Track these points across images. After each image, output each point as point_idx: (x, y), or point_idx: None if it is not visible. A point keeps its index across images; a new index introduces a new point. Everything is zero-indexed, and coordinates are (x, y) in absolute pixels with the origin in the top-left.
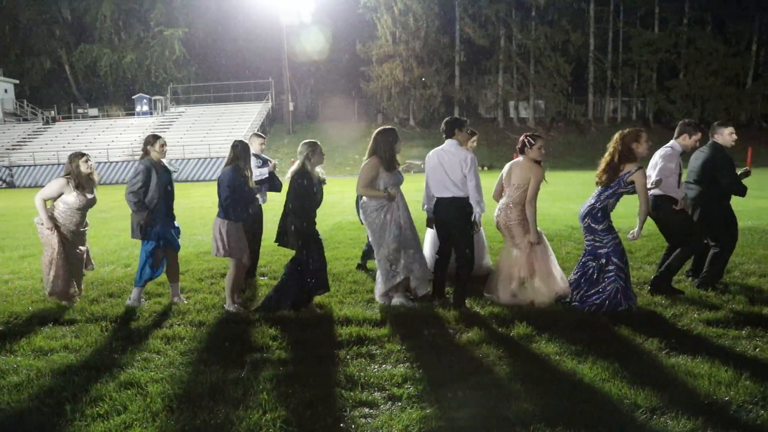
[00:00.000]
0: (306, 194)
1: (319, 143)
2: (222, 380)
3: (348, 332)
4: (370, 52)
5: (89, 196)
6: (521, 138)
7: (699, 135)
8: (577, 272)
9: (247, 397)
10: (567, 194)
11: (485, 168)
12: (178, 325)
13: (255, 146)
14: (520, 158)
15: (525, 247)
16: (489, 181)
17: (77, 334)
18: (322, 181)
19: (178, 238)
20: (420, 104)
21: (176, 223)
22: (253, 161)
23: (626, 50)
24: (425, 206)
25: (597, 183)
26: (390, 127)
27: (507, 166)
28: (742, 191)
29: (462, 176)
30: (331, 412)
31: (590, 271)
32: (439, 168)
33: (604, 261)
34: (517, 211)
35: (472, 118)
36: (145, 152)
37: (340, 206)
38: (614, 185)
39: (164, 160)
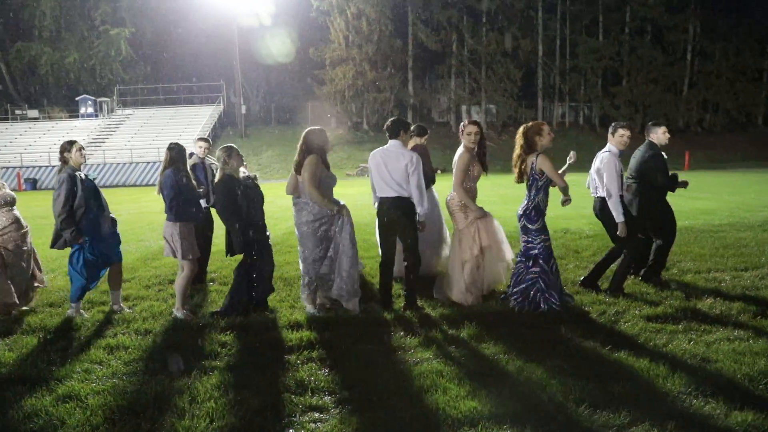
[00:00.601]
0: (230, 200)
1: (234, 146)
2: (168, 389)
3: (299, 337)
4: (323, 55)
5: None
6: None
7: (628, 132)
8: (514, 274)
9: (194, 405)
10: (516, 197)
11: (439, 171)
12: (123, 334)
13: (200, 151)
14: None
15: (468, 228)
16: (444, 185)
17: (11, 347)
18: (253, 179)
19: (118, 246)
20: (373, 108)
21: (116, 230)
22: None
23: (573, 57)
24: (375, 204)
25: (516, 181)
26: (320, 128)
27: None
28: (672, 187)
29: (405, 176)
30: (281, 419)
31: (521, 271)
32: (382, 168)
33: (531, 262)
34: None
35: (426, 122)
36: (64, 161)
37: (291, 212)
38: (531, 180)
39: (83, 168)
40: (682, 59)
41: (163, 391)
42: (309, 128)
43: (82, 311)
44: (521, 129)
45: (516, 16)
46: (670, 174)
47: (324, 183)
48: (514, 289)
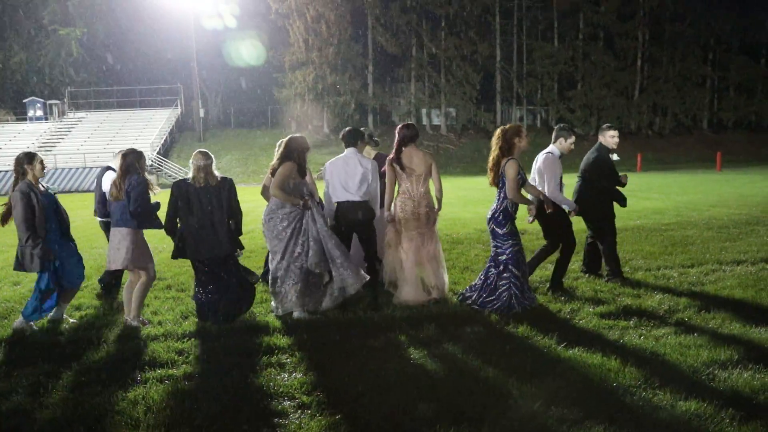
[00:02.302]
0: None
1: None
2: (121, 400)
3: (257, 342)
4: (283, 58)
5: None
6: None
7: (573, 138)
8: (481, 277)
9: (149, 416)
10: (476, 199)
11: None
12: (74, 344)
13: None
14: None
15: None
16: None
17: None
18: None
19: (81, 269)
20: (334, 111)
21: (75, 249)
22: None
23: (530, 62)
24: (328, 211)
25: (490, 184)
26: (301, 135)
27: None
28: (615, 191)
29: (361, 182)
30: (239, 425)
31: (491, 279)
32: (342, 174)
33: (501, 268)
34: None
35: (386, 125)
36: (21, 173)
37: (253, 214)
38: (502, 185)
39: (42, 182)
40: (633, 65)
41: (116, 402)
42: (291, 135)
43: (31, 323)
44: (498, 131)
45: (474, 21)
46: (619, 175)
47: (295, 190)
48: (489, 298)
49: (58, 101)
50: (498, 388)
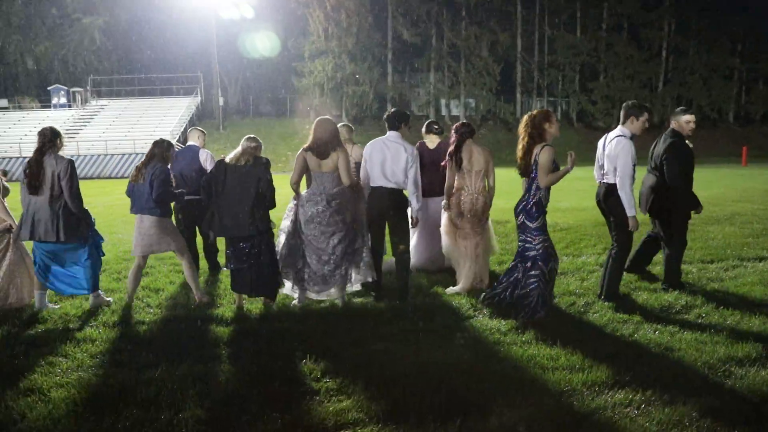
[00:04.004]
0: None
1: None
2: (134, 381)
3: (271, 327)
4: (302, 47)
5: None
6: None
7: (646, 116)
8: (508, 272)
9: (160, 397)
10: (499, 191)
11: None
12: (90, 326)
13: (200, 141)
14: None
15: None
16: None
17: None
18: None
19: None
20: (352, 101)
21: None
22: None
23: (551, 52)
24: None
25: (520, 174)
26: (325, 118)
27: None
28: (680, 187)
29: (404, 170)
30: (247, 410)
31: (518, 275)
32: (381, 158)
33: (529, 264)
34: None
35: None
36: (58, 147)
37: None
38: (535, 175)
39: None
40: (658, 56)
41: (128, 382)
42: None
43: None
44: (526, 117)
45: (495, 10)
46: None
47: (314, 180)
48: (517, 292)
49: (81, 89)
50: (509, 380)
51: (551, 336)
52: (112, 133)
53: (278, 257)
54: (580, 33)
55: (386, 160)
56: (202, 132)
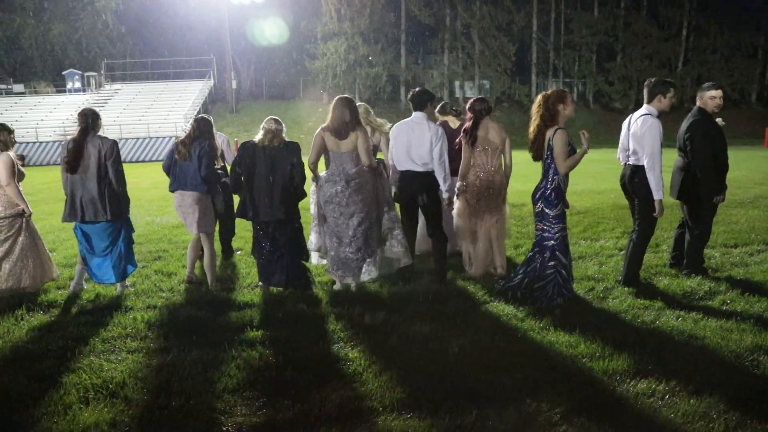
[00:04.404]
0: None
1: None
2: (146, 367)
3: (284, 312)
4: (314, 29)
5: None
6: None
7: (673, 91)
8: (526, 263)
9: (171, 383)
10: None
11: None
12: (102, 310)
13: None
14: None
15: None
16: None
17: None
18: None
19: None
20: (365, 83)
21: None
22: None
23: (567, 32)
24: (394, 178)
25: (532, 158)
26: (344, 95)
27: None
28: (705, 168)
29: (430, 150)
30: (259, 397)
31: (537, 264)
32: (406, 141)
33: (548, 254)
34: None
35: None
36: (97, 126)
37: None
38: (550, 159)
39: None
40: (678, 35)
41: (139, 369)
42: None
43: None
44: (540, 98)
45: None
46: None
47: (334, 161)
48: (536, 285)
49: (95, 73)
50: (526, 368)
51: (570, 322)
52: (126, 117)
53: (316, 245)
54: (597, 12)
55: (411, 142)
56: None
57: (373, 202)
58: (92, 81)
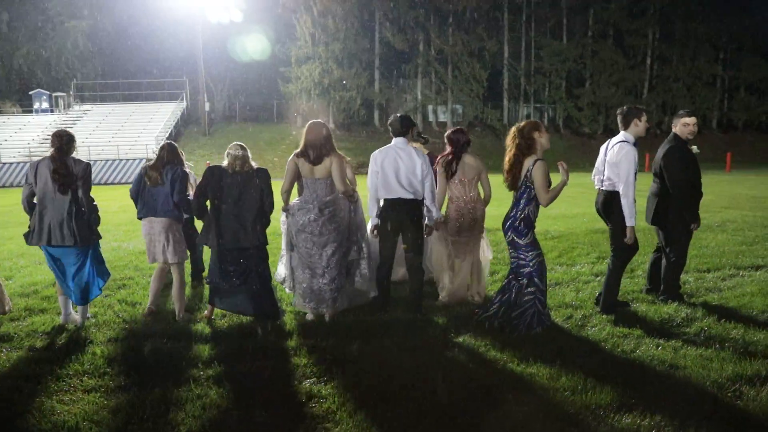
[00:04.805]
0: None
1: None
2: (102, 408)
3: (254, 344)
4: (289, 53)
5: None
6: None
7: (646, 116)
8: (501, 291)
9: (129, 427)
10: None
11: None
12: (58, 345)
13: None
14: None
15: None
16: None
17: None
18: None
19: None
20: (339, 106)
21: None
22: None
23: (537, 59)
24: (372, 212)
25: (507, 188)
26: (315, 121)
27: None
28: (681, 194)
29: (420, 177)
30: None
31: (513, 292)
32: (395, 166)
33: (525, 281)
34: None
35: None
36: (71, 149)
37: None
38: (524, 188)
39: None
40: (643, 63)
41: (95, 411)
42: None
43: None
44: (514, 129)
45: (482, 17)
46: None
47: (307, 188)
48: (513, 314)
49: (63, 93)
50: (505, 405)
51: (550, 352)
52: (95, 138)
53: (282, 276)
54: (566, 40)
55: (400, 169)
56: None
57: (346, 230)
58: (60, 101)
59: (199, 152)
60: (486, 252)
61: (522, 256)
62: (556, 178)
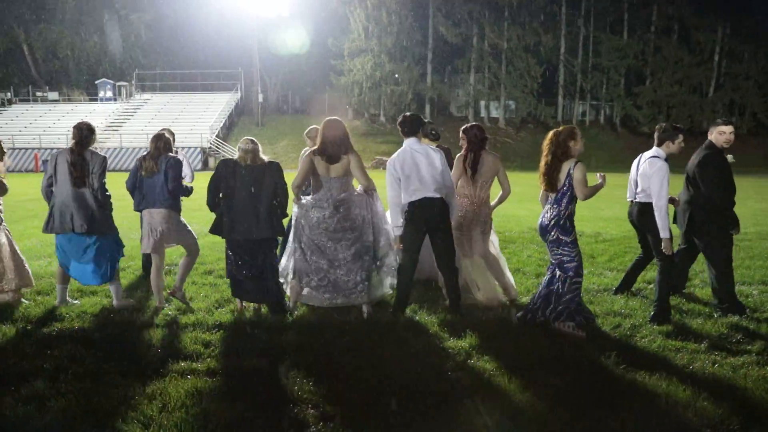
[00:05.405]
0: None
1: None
2: (138, 395)
3: (284, 340)
4: (341, 45)
5: None
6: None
7: (681, 137)
8: (545, 286)
9: (162, 415)
10: (533, 196)
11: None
12: (101, 329)
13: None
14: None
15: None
16: None
17: None
18: None
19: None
20: (391, 100)
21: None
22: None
23: (596, 55)
24: (398, 221)
25: (544, 189)
26: (332, 118)
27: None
28: (717, 202)
29: (441, 175)
30: None
31: (557, 287)
32: (415, 168)
33: (572, 273)
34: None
35: (444, 116)
36: (91, 141)
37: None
38: (567, 189)
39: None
40: (710, 60)
41: (132, 395)
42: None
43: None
44: (551, 134)
45: (539, 11)
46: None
47: (320, 186)
48: (560, 301)
49: (126, 83)
50: (545, 412)
51: (594, 363)
52: (154, 126)
53: (288, 268)
54: (626, 35)
55: (421, 169)
56: (171, 133)
57: (366, 224)
58: (123, 90)
59: None
60: (494, 242)
61: (566, 252)
62: (592, 180)
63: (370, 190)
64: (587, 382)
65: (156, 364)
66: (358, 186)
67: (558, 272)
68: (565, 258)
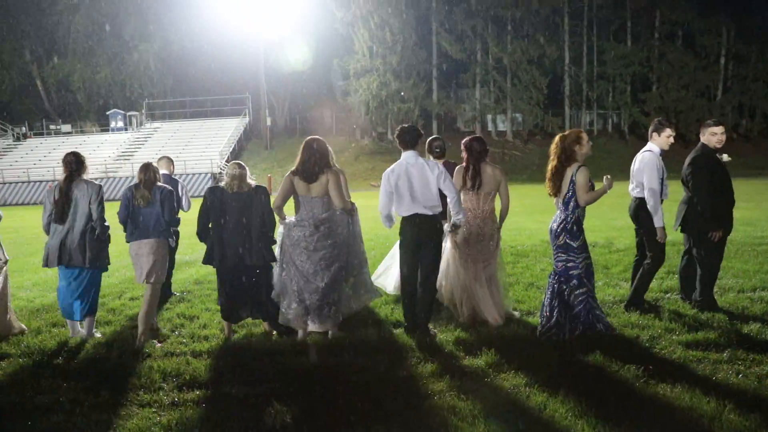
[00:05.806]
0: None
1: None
2: (154, 425)
3: (281, 363)
4: (347, 66)
5: None
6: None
7: (668, 130)
8: (550, 298)
9: None
10: (543, 208)
11: None
12: (118, 358)
13: (168, 169)
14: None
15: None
16: None
17: (4, 371)
18: None
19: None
20: (398, 118)
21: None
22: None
23: (600, 63)
24: (389, 223)
25: (549, 194)
26: (313, 137)
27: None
28: (704, 203)
29: (436, 191)
30: None
31: (565, 296)
32: (407, 183)
33: (576, 282)
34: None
35: (451, 131)
36: (81, 172)
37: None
38: (572, 193)
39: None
40: (716, 63)
41: (148, 426)
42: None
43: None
44: (557, 139)
45: (541, 23)
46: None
47: (303, 205)
48: (572, 325)
49: (136, 112)
50: (566, 429)
51: (614, 376)
52: (164, 153)
53: (278, 287)
54: (630, 43)
55: (413, 185)
56: (170, 159)
57: (344, 245)
58: (134, 120)
59: (262, 165)
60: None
61: (572, 257)
62: (599, 186)
63: (345, 209)
64: (609, 397)
65: (173, 393)
66: None
67: (562, 282)
68: (570, 264)
